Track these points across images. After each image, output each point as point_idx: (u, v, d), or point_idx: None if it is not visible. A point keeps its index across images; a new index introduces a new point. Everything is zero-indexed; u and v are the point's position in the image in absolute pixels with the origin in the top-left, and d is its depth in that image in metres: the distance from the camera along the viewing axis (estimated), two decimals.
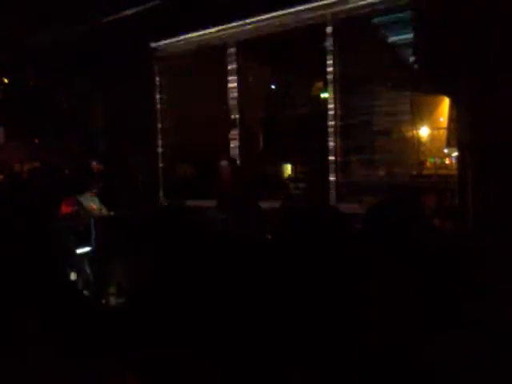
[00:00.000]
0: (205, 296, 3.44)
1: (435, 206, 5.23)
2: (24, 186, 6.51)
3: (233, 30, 8.13)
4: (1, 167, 8.47)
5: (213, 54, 8.48)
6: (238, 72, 8.23)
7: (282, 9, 7.49)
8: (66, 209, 6.23)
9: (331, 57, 7.25)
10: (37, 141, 9.44)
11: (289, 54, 8.04)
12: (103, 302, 4.84)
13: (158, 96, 9.18)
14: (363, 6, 6.93)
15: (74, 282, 5.12)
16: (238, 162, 7.34)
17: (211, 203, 6.05)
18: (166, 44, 8.98)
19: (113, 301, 4.79)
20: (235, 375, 2.78)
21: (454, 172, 6.32)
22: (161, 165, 9.09)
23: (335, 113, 7.24)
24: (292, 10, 7.45)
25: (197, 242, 4.37)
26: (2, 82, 9.73)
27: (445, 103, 8.19)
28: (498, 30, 5.03)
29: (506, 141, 4.85)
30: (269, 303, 3.18)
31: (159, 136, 9.15)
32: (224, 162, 6.31)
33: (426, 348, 2.46)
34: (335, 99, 7.27)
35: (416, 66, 6.88)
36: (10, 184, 7.48)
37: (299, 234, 3.73)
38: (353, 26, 7.11)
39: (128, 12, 8.28)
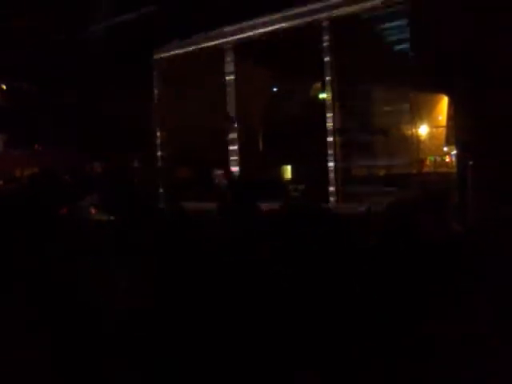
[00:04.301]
0: (204, 298, 3.43)
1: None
2: (23, 192, 6.51)
3: (230, 34, 8.13)
4: (1, 173, 8.48)
5: (211, 57, 8.47)
6: (236, 75, 8.21)
7: (279, 11, 7.48)
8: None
9: (329, 57, 7.22)
10: (37, 147, 9.44)
11: (287, 56, 8.02)
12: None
13: (157, 100, 9.17)
14: (361, 7, 6.91)
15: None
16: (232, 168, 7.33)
17: (210, 206, 6.04)
18: (164, 49, 8.99)
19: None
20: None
21: (454, 170, 6.30)
22: (160, 167, 9.08)
23: (334, 113, 7.22)
24: (289, 12, 7.44)
25: (197, 246, 4.37)
26: (1, 89, 9.74)
27: (444, 102, 8.16)
28: (495, 30, 5.01)
29: (503, 138, 4.84)
30: (267, 302, 3.17)
31: (158, 139, 9.15)
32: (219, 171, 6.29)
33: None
34: (333, 99, 7.24)
35: (414, 65, 6.87)
36: (10, 190, 7.48)
37: (297, 235, 3.72)
38: (350, 27, 7.09)
39: (127, 17, 8.29)
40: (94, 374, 2.89)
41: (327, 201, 7.05)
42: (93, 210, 6.43)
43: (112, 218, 6.60)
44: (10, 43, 8.45)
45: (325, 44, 7.22)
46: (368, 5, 6.87)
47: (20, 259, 4.33)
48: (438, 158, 8.10)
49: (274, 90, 9.46)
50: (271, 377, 2.71)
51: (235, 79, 8.21)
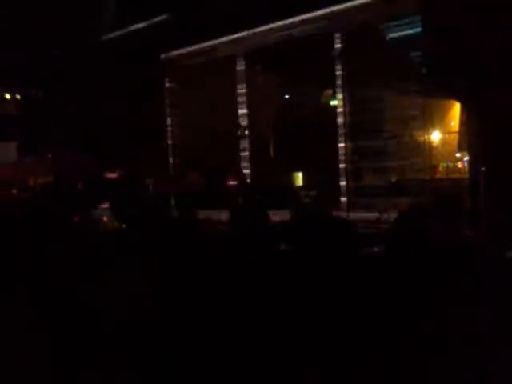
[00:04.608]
0: (216, 304, 3.44)
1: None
2: (36, 200, 6.56)
3: (241, 40, 8.16)
4: (15, 182, 8.54)
5: (222, 64, 8.51)
6: (247, 81, 8.24)
7: (290, 18, 7.50)
8: None
9: (340, 64, 7.23)
10: (50, 155, 9.52)
11: (297, 63, 8.04)
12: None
13: (168, 107, 9.22)
14: (371, 14, 6.91)
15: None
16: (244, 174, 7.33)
17: (221, 214, 6.05)
18: (175, 55, 9.05)
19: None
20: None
21: (466, 176, 6.26)
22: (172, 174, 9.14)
23: (345, 120, 7.22)
24: (300, 18, 7.46)
25: (207, 253, 4.38)
26: (15, 98, 9.84)
27: (456, 107, 8.14)
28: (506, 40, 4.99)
29: None
30: (277, 309, 3.17)
31: (170, 146, 9.20)
32: (230, 176, 6.33)
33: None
34: (344, 107, 7.24)
35: (425, 72, 6.85)
36: (24, 198, 7.54)
37: (308, 244, 3.72)
38: (361, 34, 7.09)
39: (139, 25, 8.35)
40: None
41: (338, 207, 7.04)
42: (105, 218, 6.46)
43: (124, 225, 6.63)
44: (20, 50, 8.54)
45: (336, 51, 7.22)
46: (380, 13, 6.86)
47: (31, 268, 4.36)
48: (451, 164, 8.06)
49: (286, 96, 9.48)
50: (274, 377, 2.71)
51: (246, 86, 8.23)
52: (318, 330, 2.95)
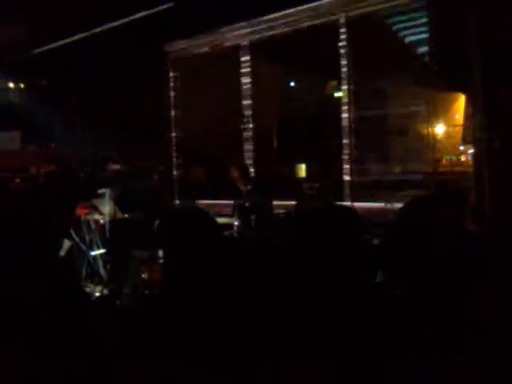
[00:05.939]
0: (219, 297, 3.43)
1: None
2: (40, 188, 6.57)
3: (245, 30, 8.10)
4: (18, 171, 8.53)
5: (226, 54, 8.45)
6: (251, 72, 8.17)
7: (295, 7, 7.43)
8: (80, 211, 6.29)
9: (345, 55, 7.17)
10: (53, 145, 9.50)
11: (302, 54, 7.99)
12: (117, 302, 4.87)
13: (171, 98, 9.17)
14: (377, 4, 6.85)
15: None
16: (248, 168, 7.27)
17: (223, 203, 6.06)
18: (179, 46, 8.99)
19: (127, 301, 4.81)
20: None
21: (470, 169, 6.24)
22: (175, 167, 9.09)
23: (349, 112, 7.16)
24: (305, 7, 7.39)
25: (211, 244, 4.36)
26: (19, 87, 9.82)
27: (460, 100, 8.11)
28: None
29: None
30: (281, 305, 3.15)
31: (173, 138, 9.15)
32: (235, 170, 6.36)
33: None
34: (349, 98, 7.18)
35: (431, 64, 6.82)
36: (27, 187, 7.55)
37: (312, 236, 3.70)
38: (367, 25, 7.04)
39: (141, 14, 8.28)
40: None
41: (342, 199, 7.01)
42: (108, 208, 6.47)
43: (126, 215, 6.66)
44: (26, 39, 8.49)
45: (341, 42, 7.16)
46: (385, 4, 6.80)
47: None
48: (454, 158, 8.04)
49: (290, 86, 9.44)
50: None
51: (250, 76, 8.17)
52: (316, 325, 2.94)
